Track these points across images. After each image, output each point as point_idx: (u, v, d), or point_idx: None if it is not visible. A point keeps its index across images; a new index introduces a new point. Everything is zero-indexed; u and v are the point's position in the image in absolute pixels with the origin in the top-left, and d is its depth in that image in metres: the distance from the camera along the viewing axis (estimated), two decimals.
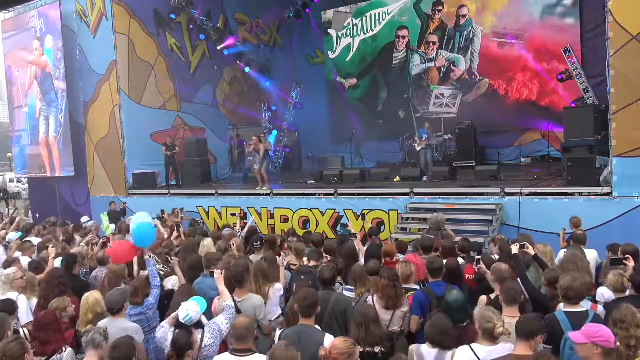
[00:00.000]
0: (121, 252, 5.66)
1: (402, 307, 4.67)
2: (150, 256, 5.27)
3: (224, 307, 4.36)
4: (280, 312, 5.15)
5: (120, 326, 4.16)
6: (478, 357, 3.43)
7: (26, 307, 5.11)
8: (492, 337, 3.50)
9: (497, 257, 5.70)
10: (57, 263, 6.11)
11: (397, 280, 4.72)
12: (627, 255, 4.77)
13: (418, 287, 5.06)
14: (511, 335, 3.56)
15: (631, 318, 3.44)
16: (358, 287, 4.98)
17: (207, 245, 6.69)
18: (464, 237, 7.17)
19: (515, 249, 5.03)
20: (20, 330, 4.42)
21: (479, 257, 5.34)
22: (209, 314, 4.65)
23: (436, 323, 3.79)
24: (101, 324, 4.23)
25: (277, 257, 5.89)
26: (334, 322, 4.37)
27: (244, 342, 3.58)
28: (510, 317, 3.84)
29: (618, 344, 3.11)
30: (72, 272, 5.81)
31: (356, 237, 7.22)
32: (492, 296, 4.56)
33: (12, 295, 5.14)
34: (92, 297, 4.49)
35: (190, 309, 3.92)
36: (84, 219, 11.89)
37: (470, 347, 3.52)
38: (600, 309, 4.23)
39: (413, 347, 3.97)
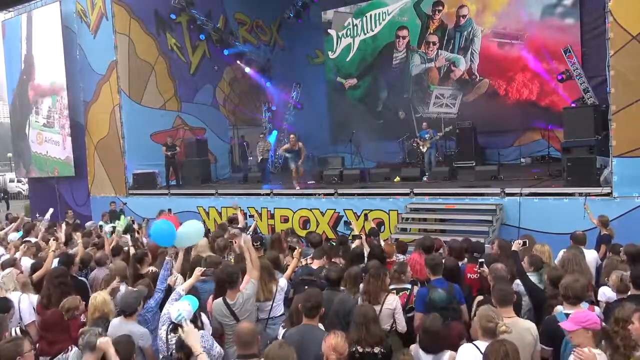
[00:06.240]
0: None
1: (388, 305, 4.64)
2: (170, 262, 5.12)
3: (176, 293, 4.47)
4: (283, 310, 5.13)
5: (129, 329, 4.15)
6: None
7: (28, 307, 5.08)
8: (494, 336, 3.49)
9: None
10: (54, 263, 6.08)
11: (376, 277, 4.70)
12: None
13: (410, 286, 5.07)
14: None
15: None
16: (348, 288, 4.94)
17: (202, 245, 6.52)
18: (465, 237, 7.15)
19: (516, 246, 5.02)
20: (13, 329, 4.38)
21: (482, 260, 5.30)
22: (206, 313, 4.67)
23: (427, 330, 3.79)
24: (113, 322, 4.26)
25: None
26: (336, 323, 4.34)
27: (248, 348, 3.54)
28: (506, 318, 3.80)
29: (603, 323, 3.21)
30: (69, 272, 5.78)
31: (361, 238, 7.13)
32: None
33: (16, 294, 5.12)
34: (99, 296, 4.49)
35: (181, 309, 3.94)
36: (88, 223, 11.82)
37: (474, 344, 3.51)
38: (597, 310, 4.24)
39: (413, 347, 3.98)
